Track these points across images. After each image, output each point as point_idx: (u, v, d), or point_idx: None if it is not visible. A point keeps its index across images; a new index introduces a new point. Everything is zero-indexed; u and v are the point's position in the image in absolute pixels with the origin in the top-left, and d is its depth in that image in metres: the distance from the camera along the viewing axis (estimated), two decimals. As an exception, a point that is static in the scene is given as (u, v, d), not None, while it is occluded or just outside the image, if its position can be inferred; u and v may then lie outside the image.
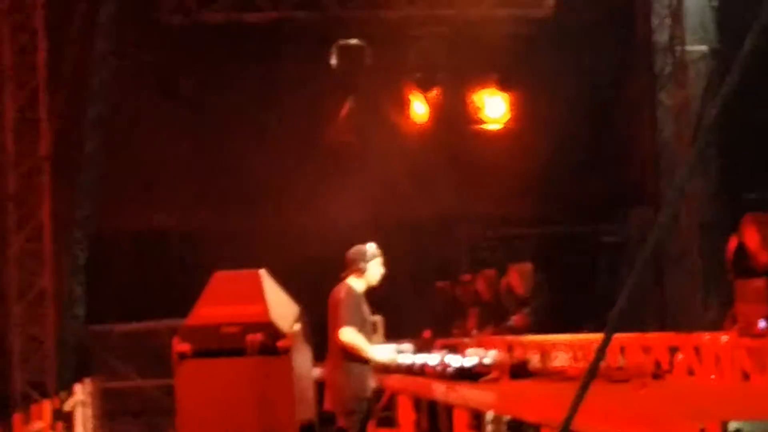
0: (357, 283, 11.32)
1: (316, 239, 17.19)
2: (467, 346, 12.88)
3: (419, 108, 20.03)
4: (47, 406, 11.57)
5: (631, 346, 10.84)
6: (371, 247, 11.41)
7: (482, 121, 20.11)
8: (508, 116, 20.02)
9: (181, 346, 12.47)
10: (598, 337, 12.16)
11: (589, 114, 19.52)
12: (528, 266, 16.62)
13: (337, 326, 11.11)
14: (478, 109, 20.04)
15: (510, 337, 14.30)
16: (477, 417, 11.96)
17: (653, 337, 11.27)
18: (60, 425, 10.22)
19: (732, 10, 18.24)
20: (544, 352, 12.73)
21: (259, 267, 13.21)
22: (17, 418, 11.15)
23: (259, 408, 12.06)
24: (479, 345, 12.49)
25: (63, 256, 16.56)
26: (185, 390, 12.50)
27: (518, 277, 16.38)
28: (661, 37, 19.21)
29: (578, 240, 20.03)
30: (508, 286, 16.52)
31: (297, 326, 12.67)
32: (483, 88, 19.94)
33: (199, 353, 12.39)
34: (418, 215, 19.30)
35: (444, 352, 11.76)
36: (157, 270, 18.08)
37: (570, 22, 19.20)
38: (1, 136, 17.13)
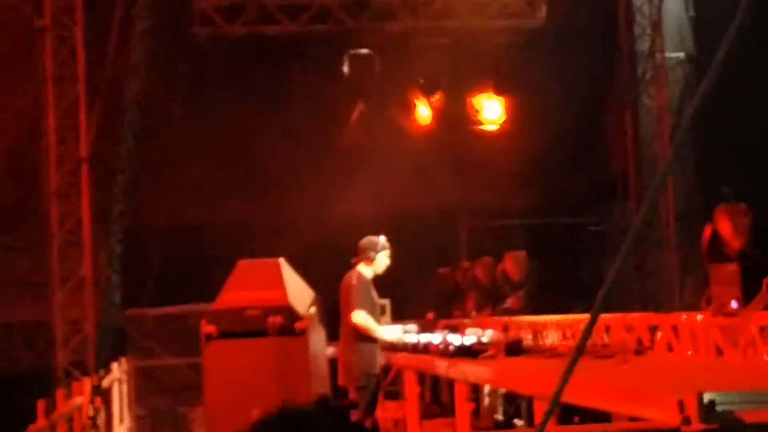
0: (366, 270, 11.32)
1: (331, 230, 17.14)
2: (467, 326, 12.83)
3: (423, 111, 19.98)
4: (87, 383, 11.55)
5: (615, 326, 10.79)
6: (382, 240, 11.43)
7: (480, 123, 20.05)
8: (503, 118, 19.96)
9: (208, 328, 12.45)
10: (586, 317, 12.12)
11: (577, 115, 19.46)
12: (522, 254, 16.56)
13: (349, 310, 11.11)
14: (477, 111, 19.98)
15: (505, 318, 14.26)
16: (475, 390, 11.94)
17: (635, 317, 11.22)
18: (98, 400, 10.21)
19: (707, 20, 18.17)
20: (537, 331, 12.68)
21: (279, 256, 13.19)
22: (60, 393, 11.13)
23: (279, 383, 12.03)
24: (477, 325, 12.43)
25: (101, 247, 16.55)
26: (212, 368, 12.48)
27: (513, 264, 16.33)
28: (643, 44, 19.15)
29: (567, 230, 19.98)
30: (504, 272, 16.47)
31: (313, 309, 12.65)
32: (481, 92, 19.88)
33: (225, 334, 12.37)
34: (422, 208, 19.25)
35: (446, 331, 11.72)
36: (186, 259, 18.05)
37: (560, 32, 19.14)
38: (45, 139, 17.12)
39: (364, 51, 19.18)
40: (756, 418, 5.71)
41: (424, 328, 12.99)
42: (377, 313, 11.68)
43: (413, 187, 19.13)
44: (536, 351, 10.60)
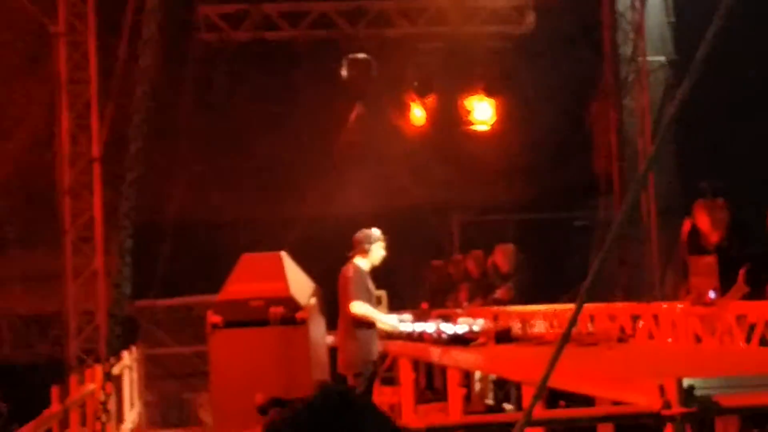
0: (362, 262, 11.29)
1: (330, 225, 17.11)
2: (459, 315, 12.82)
3: (418, 112, 19.94)
4: (99, 370, 11.49)
5: (599, 315, 10.78)
6: (375, 232, 11.39)
7: (472, 123, 20.00)
8: (494, 119, 19.92)
9: (214, 318, 12.44)
10: (571, 307, 12.11)
11: (563, 116, 19.43)
12: (511, 247, 16.53)
13: (347, 301, 11.09)
14: (468, 112, 19.94)
15: (495, 308, 14.24)
16: (467, 376, 11.94)
17: (618, 307, 11.21)
18: (110, 386, 10.16)
19: (687, 25, 18.16)
20: (525, 320, 12.64)
21: (281, 250, 13.17)
22: (73, 380, 11.11)
23: (281, 370, 12.02)
24: (469, 315, 12.42)
25: (112, 242, 16.51)
26: (217, 356, 12.48)
27: (502, 257, 16.30)
28: (626, 49, 19.12)
29: (554, 224, 19.95)
30: (494, 264, 16.45)
31: (313, 300, 12.63)
32: (472, 94, 19.84)
33: (230, 324, 12.37)
34: (416, 204, 19.23)
35: (439, 321, 11.72)
36: (193, 253, 18.01)
37: (547, 37, 19.11)
38: (58, 139, 17.10)
39: (362, 55, 19.14)
40: (732, 402, 5.71)
41: (419, 317, 12.98)
42: (374, 303, 11.66)
43: (408, 184, 19.12)
44: (524, 339, 10.60)
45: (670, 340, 9.58)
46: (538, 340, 10.15)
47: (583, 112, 19.83)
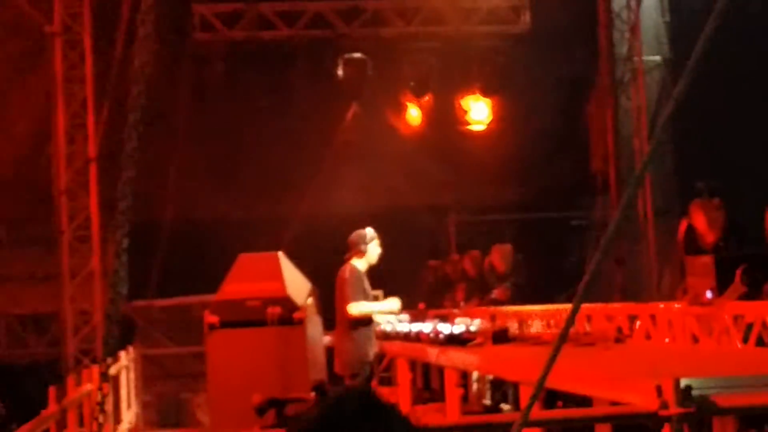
0: (359, 263, 11.30)
1: (326, 225, 17.13)
2: (456, 316, 12.84)
3: (414, 112, 19.96)
4: (96, 371, 11.50)
5: (596, 315, 10.79)
6: (369, 231, 11.40)
7: (468, 123, 20.02)
8: (490, 118, 19.94)
9: (211, 318, 12.45)
10: (568, 307, 12.12)
11: (560, 115, 19.45)
12: (508, 247, 16.55)
13: (344, 303, 11.10)
14: (465, 112, 19.96)
15: (492, 308, 14.26)
16: (464, 376, 11.95)
17: (615, 307, 11.22)
18: (107, 386, 10.16)
19: (682, 25, 18.19)
20: (522, 320, 12.69)
21: (278, 250, 13.18)
22: (70, 380, 11.11)
23: (278, 371, 12.03)
24: (466, 315, 12.43)
25: (109, 242, 16.50)
26: (214, 356, 12.48)
27: (499, 257, 16.32)
28: (621, 48, 19.14)
29: (551, 224, 19.97)
30: (491, 264, 16.46)
31: (310, 300, 12.64)
32: (469, 94, 19.86)
33: (227, 324, 12.37)
34: (413, 204, 19.24)
35: (436, 321, 11.73)
36: (190, 253, 18.02)
37: (543, 36, 19.13)
38: (55, 139, 17.09)
39: (358, 55, 19.15)
40: (730, 402, 5.72)
41: (416, 317, 12.99)
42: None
43: (405, 184, 19.13)
44: (522, 339, 10.61)
45: (667, 340, 9.59)
46: (536, 340, 10.16)
47: (579, 112, 19.86)
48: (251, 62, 19.20)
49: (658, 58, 19.09)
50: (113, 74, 17.37)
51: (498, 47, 19.25)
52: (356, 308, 11.11)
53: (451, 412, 10.27)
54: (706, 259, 9.96)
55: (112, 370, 13.66)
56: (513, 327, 11.74)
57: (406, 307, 14.93)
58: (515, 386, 10.88)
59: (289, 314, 12.27)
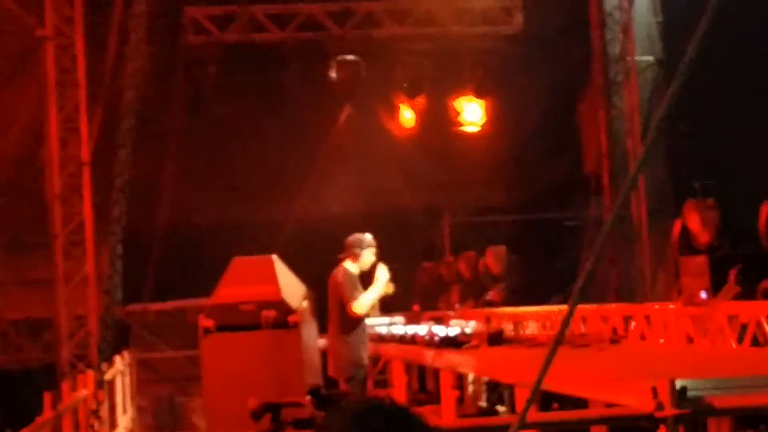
0: (352, 267, 11.29)
1: (320, 227, 17.15)
2: (451, 318, 12.85)
3: (407, 114, 19.97)
4: (91, 376, 11.53)
5: (591, 316, 10.81)
6: (368, 237, 11.39)
7: (462, 124, 20.03)
8: (484, 120, 19.95)
9: (205, 322, 12.44)
10: (563, 308, 12.13)
11: (553, 116, 19.48)
12: (502, 248, 16.58)
13: (348, 303, 11.08)
14: (458, 113, 19.97)
15: (487, 310, 14.27)
16: (460, 378, 11.95)
17: (610, 308, 11.23)
18: (102, 394, 10.18)
19: (675, 25, 18.20)
20: (517, 322, 12.70)
21: (272, 253, 13.18)
22: (65, 386, 11.11)
23: (273, 374, 12.03)
24: (461, 317, 12.45)
25: (103, 246, 16.50)
26: (209, 359, 12.48)
27: (494, 258, 16.35)
28: (614, 49, 19.14)
29: (545, 225, 19.99)
30: (486, 266, 16.49)
31: (305, 303, 12.64)
32: (462, 95, 19.87)
33: (221, 328, 12.37)
34: (407, 205, 19.25)
35: (431, 323, 11.74)
36: (184, 257, 18.02)
37: (536, 37, 19.15)
38: (48, 144, 17.07)
39: (351, 57, 19.15)
40: (725, 403, 5.74)
41: (411, 319, 13.00)
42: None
43: (398, 185, 19.14)
44: (517, 341, 10.62)
45: (662, 340, 9.61)
46: (531, 342, 10.17)
47: (573, 113, 19.87)
48: (244, 65, 19.20)
49: (650, 58, 19.10)
50: (106, 78, 17.36)
51: (491, 48, 19.27)
52: (360, 305, 11.10)
53: (447, 414, 10.27)
54: (701, 260, 9.99)
55: (108, 375, 13.67)
56: (508, 329, 11.76)
57: (401, 309, 14.96)
58: (511, 388, 10.89)
59: (283, 318, 12.27)
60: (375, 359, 13.47)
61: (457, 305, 16.62)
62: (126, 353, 16.09)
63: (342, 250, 11.44)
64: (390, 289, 11.31)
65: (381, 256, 11.61)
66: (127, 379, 15.99)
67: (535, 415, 6.47)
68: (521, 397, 8.12)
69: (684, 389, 5.52)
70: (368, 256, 11.28)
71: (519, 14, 19.28)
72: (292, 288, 12.74)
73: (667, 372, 6.30)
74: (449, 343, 10.29)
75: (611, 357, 8.69)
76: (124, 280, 16.91)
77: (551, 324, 11.69)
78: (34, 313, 17.37)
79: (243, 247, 14.30)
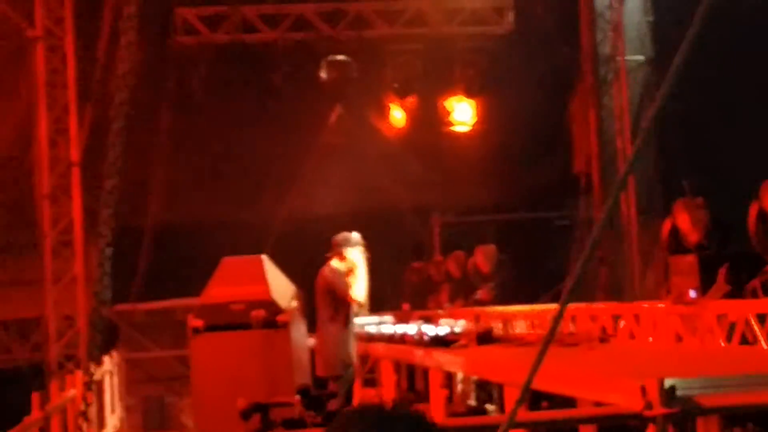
0: (339, 265, 11.27)
1: (309, 227, 17.10)
2: (440, 317, 12.80)
3: (397, 114, 19.94)
4: (79, 376, 11.46)
5: (580, 315, 10.76)
6: (355, 236, 11.37)
7: (452, 124, 20.01)
8: (474, 119, 19.93)
9: (195, 321, 12.40)
10: (552, 307, 12.10)
11: (543, 116, 19.45)
12: (491, 248, 16.54)
13: (346, 296, 11.08)
14: (449, 113, 19.95)
15: (477, 309, 14.23)
16: (449, 377, 11.92)
17: (599, 307, 11.19)
18: (90, 396, 10.13)
19: (665, 24, 18.19)
20: (506, 321, 12.64)
21: (261, 253, 13.14)
22: (54, 386, 11.06)
23: (263, 374, 11.99)
24: (450, 316, 12.40)
25: (92, 246, 16.44)
26: (199, 359, 12.44)
27: (483, 258, 16.31)
28: (604, 48, 19.16)
29: (534, 224, 19.98)
30: (475, 265, 16.45)
31: (294, 303, 12.61)
32: (452, 95, 19.85)
33: (211, 328, 12.33)
34: (397, 205, 19.21)
35: (420, 322, 11.69)
36: (173, 256, 17.96)
37: (526, 37, 19.14)
38: (37, 144, 17.02)
39: (341, 57, 19.12)
40: (714, 402, 5.71)
41: (400, 318, 12.96)
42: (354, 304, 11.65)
43: (388, 185, 19.09)
44: (506, 340, 10.58)
45: (651, 339, 9.57)
46: (520, 341, 10.13)
47: (563, 112, 19.87)
48: (234, 65, 19.15)
49: (641, 57, 19.11)
50: (96, 78, 17.30)
51: (481, 48, 19.26)
52: (358, 292, 11.11)
53: (436, 413, 10.23)
54: (690, 259, 9.95)
55: (96, 375, 13.59)
56: (497, 328, 11.71)
57: (390, 308, 14.93)
58: (500, 387, 10.85)
59: (273, 317, 12.23)
60: (364, 358, 13.43)
61: (446, 304, 16.58)
62: (114, 353, 16.04)
63: (329, 248, 11.42)
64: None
65: (371, 256, 11.59)
66: (116, 379, 15.93)
67: (524, 414, 6.43)
68: (510, 395, 8.08)
69: (673, 388, 5.49)
70: (355, 254, 11.26)
71: (509, 14, 19.27)
72: (281, 288, 12.70)
73: (656, 371, 6.26)
74: (438, 342, 10.25)
75: (600, 356, 8.66)
76: (112, 280, 16.83)
77: (540, 323, 11.64)
78: (22, 312, 17.32)
79: (232, 246, 14.26)
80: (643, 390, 5.52)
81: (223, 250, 13.47)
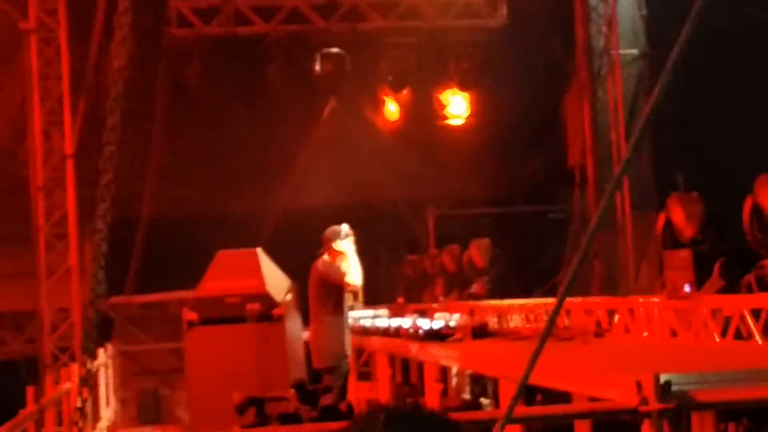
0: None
1: (304, 220, 17.08)
2: (435, 310, 12.85)
3: (392, 107, 19.92)
4: (74, 369, 11.46)
5: (575, 309, 10.79)
6: (344, 227, 11.39)
7: (446, 117, 20.00)
8: (468, 112, 19.92)
9: (189, 314, 12.42)
10: (547, 301, 12.13)
11: (537, 109, 19.46)
12: (486, 241, 16.54)
13: (343, 282, 11.11)
14: (443, 106, 19.93)
15: (471, 303, 14.25)
16: (444, 371, 11.94)
17: (594, 301, 11.23)
18: (86, 391, 10.14)
19: (659, 17, 18.20)
20: (501, 315, 12.67)
21: (256, 246, 13.15)
22: (49, 379, 11.05)
23: (257, 368, 12.01)
24: (445, 310, 12.44)
25: (86, 238, 16.44)
26: (193, 352, 12.46)
27: (478, 251, 16.31)
28: (598, 42, 19.16)
29: (529, 218, 20.00)
30: (470, 259, 16.46)
31: (289, 296, 12.62)
32: (446, 88, 19.82)
33: (205, 321, 12.35)
34: (391, 199, 19.19)
35: (415, 316, 11.73)
36: (168, 249, 17.94)
37: (520, 30, 19.12)
38: (31, 136, 16.99)
39: (335, 50, 19.09)
40: (709, 397, 5.73)
41: (395, 312, 12.99)
42: (349, 297, 11.68)
43: (383, 178, 19.05)
44: (501, 334, 10.61)
45: (645, 334, 9.60)
46: (515, 335, 10.17)
47: (557, 106, 19.87)
48: (228, 58, 19.12)
49: (635, 51, 19.12)
50: (90, 70, 17.28)
51: (475, 41, 19.25)
52: (353, 276, 11.14)
53: (431, 407, 10.25)
54: (685, 253, 9.97)
55: (91, 368, 13.59)
56: (492, 322, 11.74)
57: (385, 301, 14.95)
58: (495, 381, 10.88)
59: (268, 311, 12.25)
60: (359, 352, 13.45)
61: (441, 298, 16.59)
62: (109, 345, 16.04)
63: (321, 244, 11.44)
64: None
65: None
66: (111, 372, 15.93)
67: (519, 409, 6.45)
68: (505, 389, 8.11)
69: (668, 383, 5.51)
70: (347, 246, 11.28)
71: (503, 7, 19.25)
72: (276, 281, 12.72)
73: (651, 366, 6.29)
74: (433, 336, 10.28)
75: (595, 350, 8.69)
76: (107, 273, 16.83)
77: (535, 317, 11.67)
78: (17, 305, 17.31)
79: (227, 239, 14.27)
80: (639, 385, 5.54)
81: (218, 243, 13.48)
